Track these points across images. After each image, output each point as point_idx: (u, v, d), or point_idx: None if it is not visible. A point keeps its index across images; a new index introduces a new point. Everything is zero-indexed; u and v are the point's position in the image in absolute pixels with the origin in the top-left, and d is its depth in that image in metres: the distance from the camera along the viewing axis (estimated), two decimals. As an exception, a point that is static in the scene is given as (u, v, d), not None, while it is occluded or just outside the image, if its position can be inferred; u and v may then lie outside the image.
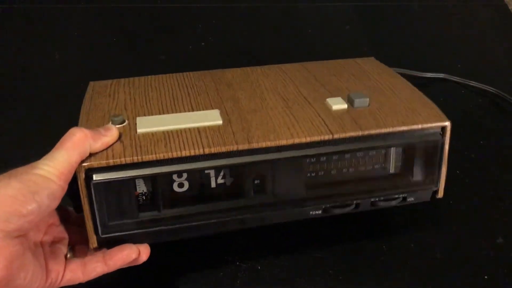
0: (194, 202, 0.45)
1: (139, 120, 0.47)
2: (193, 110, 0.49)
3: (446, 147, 0.49)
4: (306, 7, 0.97)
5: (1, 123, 0.70)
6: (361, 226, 0.57)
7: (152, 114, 0.48)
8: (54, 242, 0.45)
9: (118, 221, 0.44)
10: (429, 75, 0.78)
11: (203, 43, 0.87)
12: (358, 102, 0.49)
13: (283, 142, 0.45)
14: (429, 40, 0.90)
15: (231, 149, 0.44)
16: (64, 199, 0.42)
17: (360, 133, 0.46)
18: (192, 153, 0.43)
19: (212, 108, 0.49)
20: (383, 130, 0.47)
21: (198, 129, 0.45)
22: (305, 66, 0.60)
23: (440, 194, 0.51)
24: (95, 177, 0.42)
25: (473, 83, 0.78)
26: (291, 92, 0.53)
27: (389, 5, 0.99)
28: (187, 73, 0.59)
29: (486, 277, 0.53)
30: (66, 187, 0.40)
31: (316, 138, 0.45)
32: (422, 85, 0.79)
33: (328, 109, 0.49)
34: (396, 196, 0.50)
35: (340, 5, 0.98)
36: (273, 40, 0.89)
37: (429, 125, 0.48)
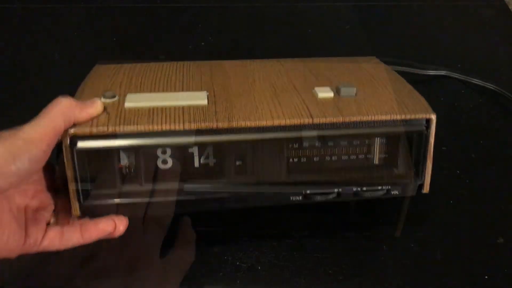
0: (176, 179, 0.46)
1: (129, 96, 0.48)
2: (183, 91, 0.50)
3: (431, 140, 0.48)
4: (306, 7, 0.97)
5: (1, 123, 0.70)
6: (361, 226, 0.57)
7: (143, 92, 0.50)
8: (39, 208, 0.46)
9: (100, 190, 0.45)
10: (431, 72, 0.78)
11: (203, 43, 0.87)
12: (344, 91, 0.49)
13: (263, 123, 0.45)
14: (430, 40, 0.90)
15: (211, 127, 0.44)
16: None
17: (341, 119, 0.46)
18: (173, 128, 0.44)
19: (202, 90, 0.50)
20: (365, 118, 0.46)
21: (183, 108, 0.46)
22: (303, 61, 0.61)
23: (426, 189, 0.50)
24: (79, 144, 0.43)
25: (475, 81, 0.78)
26: (283, 82, 0.53)
27: (389, 5, 0.99)
28: (189, 62, 0.59)
29: (486, 277, 0.53)
30: (49, 152, 0.41)
31: (296, 121, 0.45)
32: (423, 82, 0.79)
33: (314, 97, 0.50)
34: (380, 187, 0.49)
35: (340, 5, 0.98)
36: (273, 40, 0.89)
37: (413, 116, 0.47)
